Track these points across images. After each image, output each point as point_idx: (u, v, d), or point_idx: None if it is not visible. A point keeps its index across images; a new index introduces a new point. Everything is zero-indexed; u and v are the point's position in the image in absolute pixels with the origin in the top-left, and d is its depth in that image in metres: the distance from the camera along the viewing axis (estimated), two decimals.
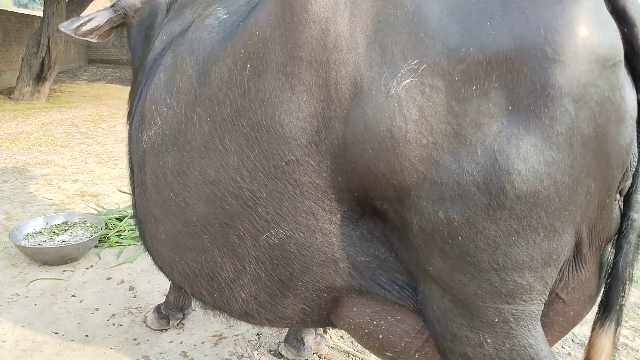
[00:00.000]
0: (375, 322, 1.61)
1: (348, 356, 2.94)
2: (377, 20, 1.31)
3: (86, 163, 6.99)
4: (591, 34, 1.12)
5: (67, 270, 3.87)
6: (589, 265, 1.42)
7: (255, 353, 2.93)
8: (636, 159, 1.31)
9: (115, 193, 5.75)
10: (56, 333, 3.08)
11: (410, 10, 1.27)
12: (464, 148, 1.21)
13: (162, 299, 3.49)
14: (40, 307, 3.35)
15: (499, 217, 1.22)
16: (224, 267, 1.71)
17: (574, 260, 1.39)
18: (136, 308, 3.39)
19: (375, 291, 1.56)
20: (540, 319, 1.41)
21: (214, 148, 1.58)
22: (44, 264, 3.91)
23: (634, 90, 1.23)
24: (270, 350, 2.96)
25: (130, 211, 4.81)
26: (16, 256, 4.03)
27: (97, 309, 3.36)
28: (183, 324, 3.21)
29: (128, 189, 5.61)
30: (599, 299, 1.47)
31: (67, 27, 2.60)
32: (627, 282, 1.41)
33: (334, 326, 1.86)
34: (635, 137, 1.27)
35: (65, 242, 4.01)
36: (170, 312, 3.13)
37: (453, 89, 1.20)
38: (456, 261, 1.31)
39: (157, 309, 3.17)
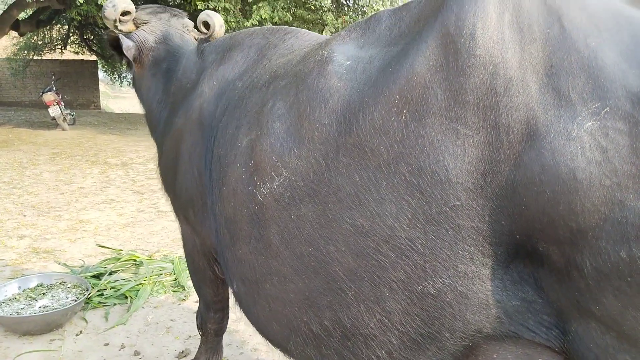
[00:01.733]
0: None
1: None
2: (549, 65, 1.34)
3: (25, 216, 6.38)
4: None
5: (54, 340, 3.47)
6: None
7: None
8: None
9: (72, 247, 5.28)
10: None
11: (585, 55, 1.30)
12: None
13: None
14: None
15: None
16: (368, 324, 1.62)
17: None
18: None
19: (522, 335, 1.53)
20: None
21: (368, 197, 1.51)
22: (24, 335, 3.48)
23: None
24: None
25: (108, 267, 4.46)
26: None
27: None
28: None
29: (104, 242, 5.22)
30: None
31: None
32: None
33: None
34: None
35: (47, 308, 3.61)
36: None
37: (637, 131, 1.24)
38: (632, 298, 1.32)
39: None
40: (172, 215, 6.87)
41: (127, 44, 2.63)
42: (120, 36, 2.63)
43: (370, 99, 1.53)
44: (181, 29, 2.82)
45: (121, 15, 2.59)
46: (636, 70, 1.26)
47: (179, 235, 5.90)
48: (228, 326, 3.25)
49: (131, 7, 2.60)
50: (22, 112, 18.34)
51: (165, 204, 7.18)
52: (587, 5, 1.39)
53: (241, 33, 2.51)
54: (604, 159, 1.26)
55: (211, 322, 2.75)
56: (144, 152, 11.50)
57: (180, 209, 2.48)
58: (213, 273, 2.52)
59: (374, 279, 1.56)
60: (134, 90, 3.07)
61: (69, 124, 15.29)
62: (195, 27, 2.89)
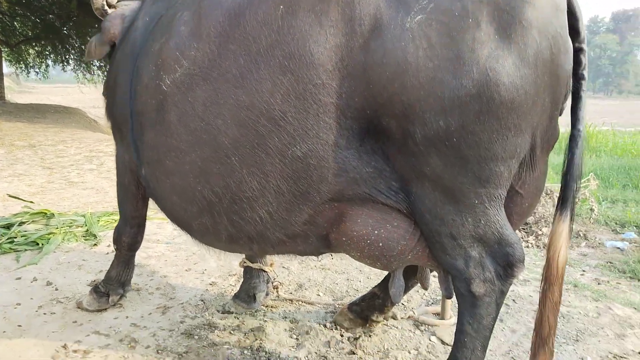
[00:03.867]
0: (376, 232, 1.98)
1: (292, 303, 3.30)
2: None
3: None
4: None
5: None
6: (539, 165, 1.96)
7: (205, 314, 3.12)
8: (570, 87, 1.88)
9: None
10: None
11: None
12: (463, 68, 1.64)
13: (86, 290, 3.46)
14: None
15: (486, 119, 1.68)
16: (250, 186, 1.98)
17: (530, 160, 1.90)
18: (64, 298, 3.32)
19: (377, 197, 1.94)
20: (505, 211, 1.91)
21: (250, 77, 1.89)
22: None
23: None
24: (219, 310, 3.18)
25: (18, 219, 4.54)
26: None
27: (18, 304, 3.21)
28: (121, 304, 3.25)
29: (13, 207, 5.22)
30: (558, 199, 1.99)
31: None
32: (578, 179, 1.93)
33: (330, 250, 2.21)
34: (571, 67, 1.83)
35: None
36: (110, 288, 3.16)
37: (454, 22, 1.65)
38: (450, 158, 1.75)
39: (94, 289, 3.18)
40: (84, 185, 6.94)
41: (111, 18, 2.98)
42: (109, 11, 2.97)
43: None
44: None
45: None
46: None
47: (91, 200, 6.06)
48: (140, 261, 3.56)
49: None
50: None
51: (76, 176, 7.20)
52: None
53: None
54: (429, 45, 1.69)
55: (126, 236, 3.04)
56: (53, 136, 11.22)
57: (116, 130, 2.83)
58: (136, 189, 2.86)
59: (254, 146, 1.94)
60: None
61: None
62: None
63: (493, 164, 1.76)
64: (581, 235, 5.96)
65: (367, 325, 2.91)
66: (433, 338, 2.89)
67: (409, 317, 3.08)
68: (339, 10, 1.77)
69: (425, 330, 2.98)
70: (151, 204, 2.88)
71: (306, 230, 2.07)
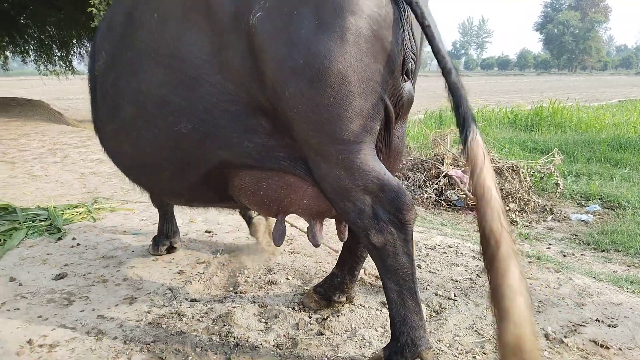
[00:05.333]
0: (258, 184, 2.35)
1: (261, 287, 3.30)
2: None
3: None
4: None
5: None
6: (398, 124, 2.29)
7: (173, 303, 3.11)
8: (414, 50, 2.07)
9: None
10: None
11: None
12: (295, 48, 1.92)
13: (51, 284, 3.40)
14: None
15: (320, 87, 1.92)
16: (150, 156, 2.49)
17: (386, 120, 2.13)
18: (28, 293, 3.26)
19: (262, 165, 2.26)
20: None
21: (135, 67, 2.35)
22: None
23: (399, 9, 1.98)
24: (187, 299, 3.17)
25: None
26: None
27: None
28: (87, 296, 3.20)
29: None
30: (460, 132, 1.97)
31: None
32: (468, 116, 1.95)
33: (233, 201, 2.59)
34: (407, 39, 2.02)
35: None
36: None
37: (285, 17, 1.94)
38: (303, 123, 2.01)
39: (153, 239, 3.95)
40: (48, 179, 6.83)
41: None
42: None
43: (138, 12, 2.44)
44: None
45: None
46: None
47: (54, 194, 5.95)
48: (106, 253, 3.45)
49: None
50: None
51: (40, 169, 7.04)
52: None
53: None
54: (270, 34, 1.95)
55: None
56: (15, 129, 10.94)
57: None
58: None
59: (147, 121, 2.38)
60: None
61: None
62: None
63: (342, 125, 1.98)
64: (547, 209, 6.08)
65: (331, 306, 2.96)
66: None
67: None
68: (202, 16, 2.14)
69: None
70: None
71: (207, 190, 2.56)
